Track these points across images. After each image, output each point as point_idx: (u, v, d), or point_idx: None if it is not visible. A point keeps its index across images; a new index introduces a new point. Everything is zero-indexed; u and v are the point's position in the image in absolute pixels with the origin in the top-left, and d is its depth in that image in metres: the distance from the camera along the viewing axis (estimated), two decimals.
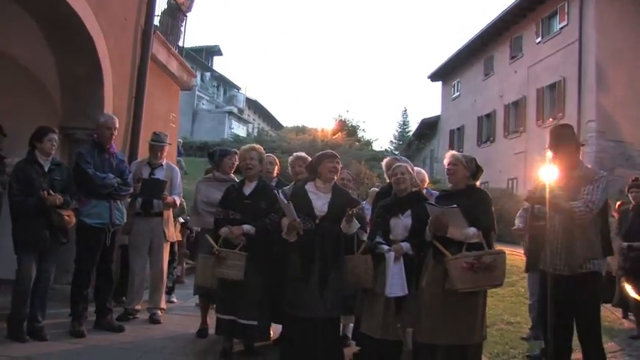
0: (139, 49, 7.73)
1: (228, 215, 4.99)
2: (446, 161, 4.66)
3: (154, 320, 6.08)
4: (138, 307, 6.22)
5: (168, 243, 6.43)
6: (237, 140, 24.55)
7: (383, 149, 40.45)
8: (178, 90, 9.86)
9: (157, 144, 6.29)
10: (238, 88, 38.30)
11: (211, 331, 5.50)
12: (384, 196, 5.14)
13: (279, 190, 5.10)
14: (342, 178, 5.32)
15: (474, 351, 4.42)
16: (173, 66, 9.05)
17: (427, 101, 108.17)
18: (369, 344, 4.73)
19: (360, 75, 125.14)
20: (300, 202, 4.85)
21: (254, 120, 45.90)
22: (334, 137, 24.06)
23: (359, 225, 4.76)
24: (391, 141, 54.75)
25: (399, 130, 56.76)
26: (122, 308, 6.14)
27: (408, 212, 4.71)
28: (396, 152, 41.75)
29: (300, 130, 26.88)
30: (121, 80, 7.29)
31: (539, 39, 20.93)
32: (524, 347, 5.99)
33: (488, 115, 25.09)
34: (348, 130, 27.32)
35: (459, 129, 28.32)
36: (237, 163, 5.90)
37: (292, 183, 5.80)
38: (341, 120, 27.99)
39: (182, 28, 9.83)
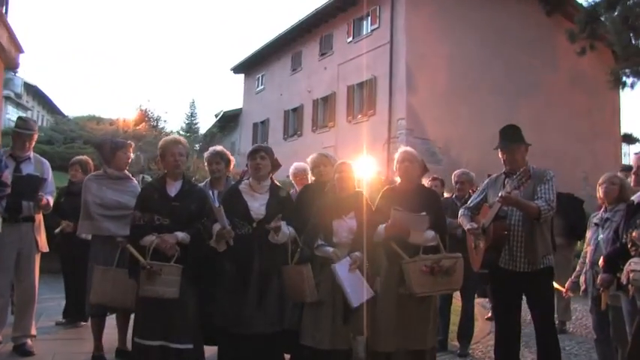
0: None
1: (152, 220, 4.13)
2: (400, 157, 4.42)
3: (24, 352, 4.90)
4: None
5: (39, 254, 5.21)
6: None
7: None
8: (2, 68, 8.22)
9: (24, 132, 5.07)
10: (15, 71, 33.84)
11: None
12: (313, 195, 4.65)
13: (213, 192, 4.38)
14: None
15: (431, 354, 4.37)
16: (3, 37, 7.48)
17: (229, 93, 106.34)
18: (313, 356, 4.26)
19: (159, 65, 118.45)
20: (234, 204, 4.29)
21: (33, 107, 41.33)
22: (137, 128, 22.50)
23: (290, 233, 4.27)
24: (178, 132, 53.31)
25: (187, 121, 55.53)
26: None
27: (352, 214, 4.38)
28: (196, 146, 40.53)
29: (97, 120, 24.72)
30: None
31: (350, 39, 21.64)
32: None
33: (295, 110, 25.36)
34: (150, 120, 25.82)
35: (263, 122, 28.27)
36: (132, 156, 5.06)
37: (207, 180, 5.12)
38: (142, 110, 26.27)
39: None
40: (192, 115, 56.20)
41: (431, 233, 4.16)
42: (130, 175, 5.03)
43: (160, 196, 4.23)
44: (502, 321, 4.45)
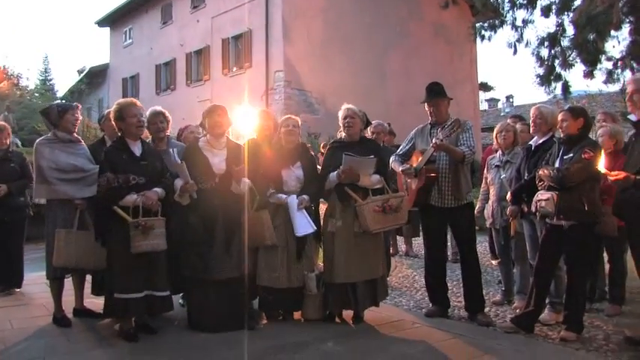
0: None
1: (128, 180, 4.30)
2: (343, 114, 4.92)
3: None
4: None
5: None
6: None
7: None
8: None
9: None
10: None
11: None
12: (259, 149, 5.04)
13: (173, 149, 4.63)
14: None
15: (382, 281, 4.98)
16: None
17: (93, 48, 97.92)
18: (270, 296, 4.85)
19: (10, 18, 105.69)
20: (196, 161, 4.62)
21: None
22: None
23: (249, 183, 4.68)
24: (34, 90, 49.78)
25: (41, 78, 51.92)
26: None
27: (298, 164, 4.90)
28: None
29: None
30: None
31: None
32: None
33: (167, 64, 24.89)
34: (11, 78, 23.97)
35: (132, 77, 27.49)
36: (80, 118, 5.10)
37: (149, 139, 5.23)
38: (1, 67, 24.27)
39: None
40: (46, 71, 52.69)
41: (376, 177, 4.77)
42: (80, 138, 5.08)
43: (129, 157, 4.42)
44: (432, 251, 5.16)
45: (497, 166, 5.51)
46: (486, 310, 5.11)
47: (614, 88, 14.32)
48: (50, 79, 52.25)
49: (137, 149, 4.49)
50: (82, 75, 31.33)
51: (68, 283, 5.00)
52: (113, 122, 4.60)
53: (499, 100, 35.26)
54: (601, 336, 4.42)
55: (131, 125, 4.46)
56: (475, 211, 5.73)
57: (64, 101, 25.24)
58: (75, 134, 5.03)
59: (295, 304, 4.90)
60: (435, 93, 5.07)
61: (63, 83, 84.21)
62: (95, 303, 5.11)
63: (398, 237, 8.61)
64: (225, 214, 4.59)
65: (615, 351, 4.08)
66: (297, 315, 4.97)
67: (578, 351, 4.09)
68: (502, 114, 32.13)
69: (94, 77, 30.47)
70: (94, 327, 4.77)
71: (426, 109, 5.11)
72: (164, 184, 4.49)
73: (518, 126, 5.74)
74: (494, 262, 7.03)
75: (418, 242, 9.17)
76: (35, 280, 6.25)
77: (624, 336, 4.29)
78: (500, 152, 5.54)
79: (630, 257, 5.32)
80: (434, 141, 4.72)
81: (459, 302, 5.41)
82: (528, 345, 4.25)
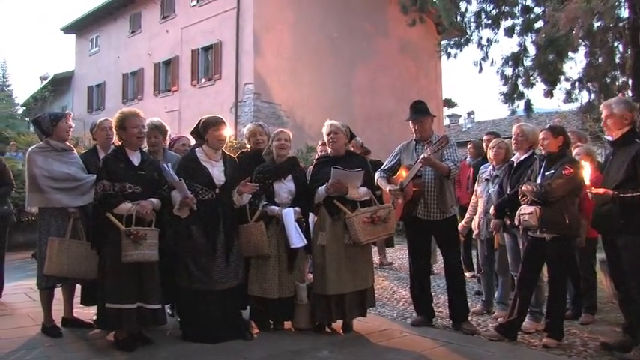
0: None
1: (124, 189, 4.41)
2: (327, 130, 5.11)
3: None
4: None
5: None
6: None
7: None
8: None
9: None
10: None
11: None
12: (251, 162, 5.24)
13: (167, 165, 4.67)
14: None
15: (371, 291, 5.14)
16: None
17: (56, 54, 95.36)
18: (263, 305, 4.98)
19: None
20: (198, 172, 4.73)
21: None
22: None
23: (250, 196, 4.84)
24: None
25: None
26: None
27: (290, 177, 5.06)
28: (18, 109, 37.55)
29: None
30: None
31: (194, 2, 21.44)
32: None
33: (134, 73, 24.73)
34: None
35: (98, 85, 27.17)
36: (73, 126, 5.14)
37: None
38: None
39: None
40: (4, 77, 51.48)
41: (364, 189, 4.95)
42: (72, 147, 5.11)
43: (127, 166, 4.51)
44: (417, 262, 5.35)
45: (486, 179, 5.72)
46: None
47: (572, 106, 14.93)
48: (8, 85, 51.16)
49: (136, 159, 4.59)
50: (45, 82, 30.82)
51: (56, 292, 5.01)
52: (115, 130, 4.72)
53: (460, 116, 36.00)
54: (578, 342, 4.69)
55: (132, 136, 4.57)
56: (463, 222, 6.01)
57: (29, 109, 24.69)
58: (67, 143, 5.04)
59: (285, 314, 5.03)
60: (420, 111, 5.28)
61: (23, 90, 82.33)
62: (83, 312, 5.16)
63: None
64: (226, 225, 4.71)
65: (594, 356, 4.35)
66: (286, 324, 5.08)
67: (561, 356, 4.33)
68: (464, 130, 32.85)
69: (59, 84, 29.96)
70: (86, 337, 4.80)
71: (411, 126, 5.31)
72: (160, 195, 4.57)
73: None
74: (467, 274, 7.32)
75: (390, 254, 9.47)
76: (14, 289, 6.22)
77: (600, 342, 4.56)
78: (491, 166, 5.74)
79: (599, 269, 5.69)
80: (423, 156, 4.92)
81: (440, 312, 5.64)
82: (515, 351, 4.47)
